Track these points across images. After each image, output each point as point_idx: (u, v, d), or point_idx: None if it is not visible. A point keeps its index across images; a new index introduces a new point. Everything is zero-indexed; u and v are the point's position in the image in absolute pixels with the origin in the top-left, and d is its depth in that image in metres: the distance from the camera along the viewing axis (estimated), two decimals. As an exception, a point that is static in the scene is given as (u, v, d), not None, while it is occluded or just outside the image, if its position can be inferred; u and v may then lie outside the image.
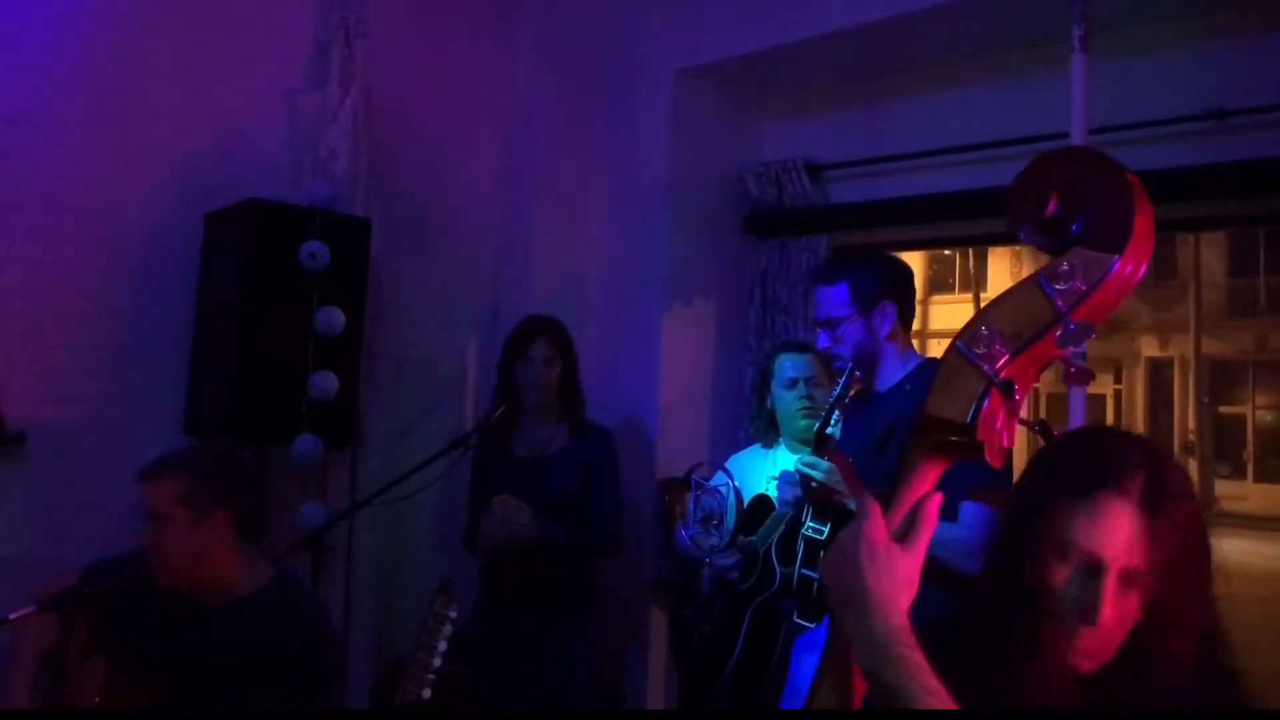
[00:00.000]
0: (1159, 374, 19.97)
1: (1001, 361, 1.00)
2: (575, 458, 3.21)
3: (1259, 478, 18.48)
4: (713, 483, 2.90)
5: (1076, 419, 2.77)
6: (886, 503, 1.04)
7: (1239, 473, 18.87)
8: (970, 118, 3.52)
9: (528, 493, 3.08)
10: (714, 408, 4.04)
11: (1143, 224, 0.98)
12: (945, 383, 1.02)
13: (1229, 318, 19.42)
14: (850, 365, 2.48)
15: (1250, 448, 19.02)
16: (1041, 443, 1.18)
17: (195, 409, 3.26)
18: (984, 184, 3.30)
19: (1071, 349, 0.99)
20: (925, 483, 1.03)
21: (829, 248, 3.84)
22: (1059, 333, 0.98)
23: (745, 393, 3.56)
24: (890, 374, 2.49)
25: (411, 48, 3.83)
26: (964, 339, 1.02)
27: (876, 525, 1.02)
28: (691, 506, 2.85)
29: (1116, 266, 0.97)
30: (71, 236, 3.09)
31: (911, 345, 2.57)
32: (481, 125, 4.07)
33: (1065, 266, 0.99)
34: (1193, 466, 18.91)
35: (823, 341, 2.54)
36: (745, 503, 2.90)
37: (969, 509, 2.20)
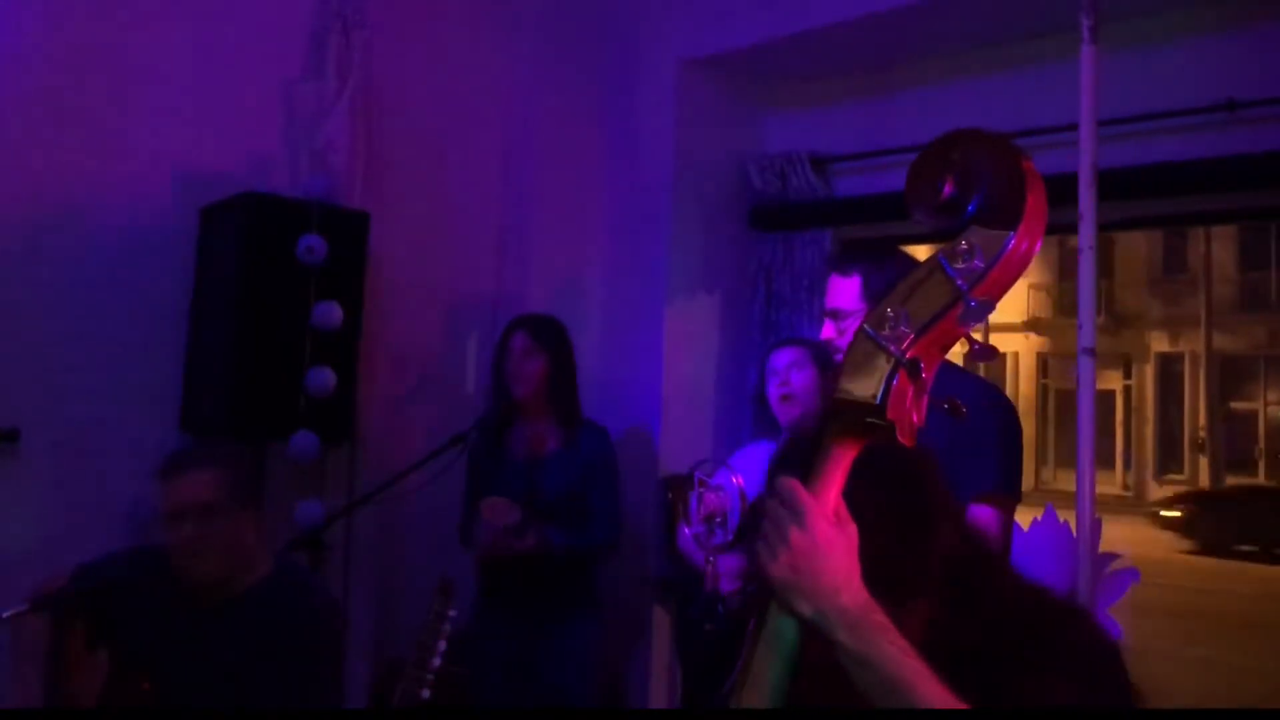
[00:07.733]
0: (1169, 369, 19.90)
1: (907, 342, 1.04)
2: (571, 457, 3.18)
3: (1270, 475, 18.38)
4: (716, 480, 2.87)
5: (1085, 414, 2.73)
6: (805, 487, 1.08)
7: (1250, 470, 18.79)
8: (978, 109, 3.47)
9: (522, 493, 3.06)
10: (717, 403, 4.01)
11: (1035, 202, 1.02)
12: (854, 365, 1.06)
13: (1240, 312, 19.35)
14: None
15: (1261, 444, 18.93)
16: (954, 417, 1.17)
17: (191, 405, 3.22)
18: (991, 176, 3.25)
19: (972, 325, 1.03)
20: (840, 467, 1.07)
21: (834, 241, 3.80)
22: (960, 310, 1.02)
23: (748, 388, 3.52)
24: None
25: (410, 38, 3.79)
26: (870, 322, 1.06)
27: (823, 508, 1.05)
28: (694, 504, 2.81)
29: (1012, 243, 1.01)
30: (65, 229, 3.06)
31: None
32: (481, 116, 4.03)
33: (964, 245, 1.03)
34: (1203, 463, 18.86)
35: (827, 332, 2.42)
36: (750, 501, 2.86)
37: (978, 515, 2.16)
